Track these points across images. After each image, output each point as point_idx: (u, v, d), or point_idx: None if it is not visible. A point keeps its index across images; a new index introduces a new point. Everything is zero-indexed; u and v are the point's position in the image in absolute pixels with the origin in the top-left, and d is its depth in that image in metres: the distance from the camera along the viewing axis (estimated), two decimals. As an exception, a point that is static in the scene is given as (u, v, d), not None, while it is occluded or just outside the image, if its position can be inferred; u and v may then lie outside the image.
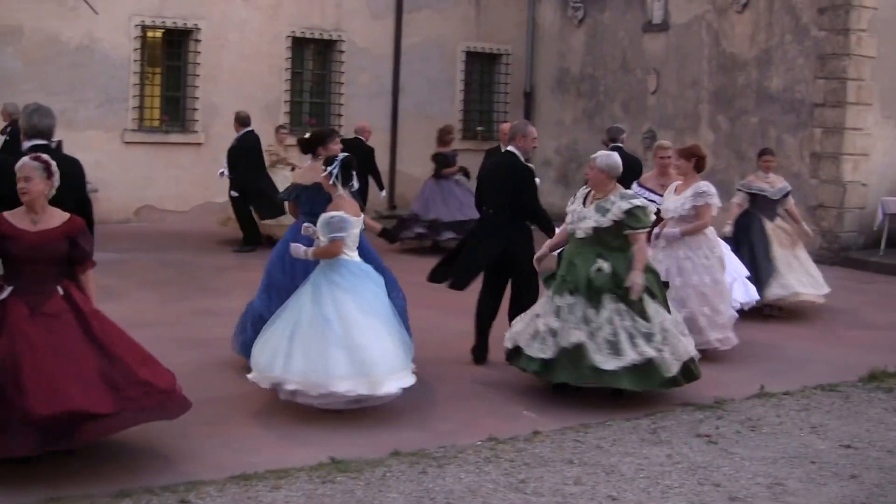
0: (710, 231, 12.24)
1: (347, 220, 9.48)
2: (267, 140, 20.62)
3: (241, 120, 19.82)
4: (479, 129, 27.34)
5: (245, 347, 10.26)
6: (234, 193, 19.31)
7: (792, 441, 9.12)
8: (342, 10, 25.16)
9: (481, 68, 27.69)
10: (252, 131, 19.68)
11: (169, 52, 24.07)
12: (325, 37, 25.12)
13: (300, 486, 7.63)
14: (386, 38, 25.78)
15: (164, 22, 23.31)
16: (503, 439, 8.82)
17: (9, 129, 18.84)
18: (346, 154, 9.96)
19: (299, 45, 25.06)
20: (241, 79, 23.97)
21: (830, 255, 20.15)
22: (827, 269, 18.48)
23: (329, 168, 9.73)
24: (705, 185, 12.16)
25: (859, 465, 8.57)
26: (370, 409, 9.46)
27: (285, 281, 10.40)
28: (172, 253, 18.83)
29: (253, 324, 10.38)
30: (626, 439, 8.99)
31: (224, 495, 7.41)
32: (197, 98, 23.62)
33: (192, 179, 20.36)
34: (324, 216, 9.57)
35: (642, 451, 8.68)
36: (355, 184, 9.88)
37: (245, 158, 19.34)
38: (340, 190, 9.71)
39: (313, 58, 25.59)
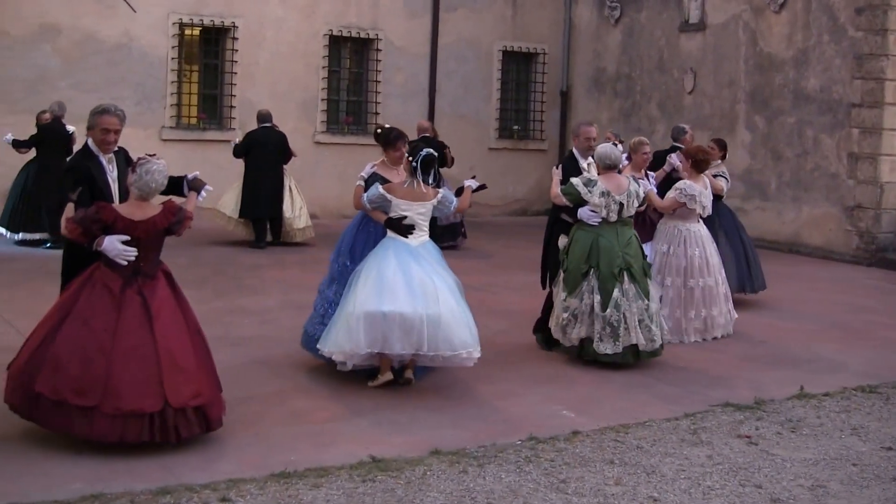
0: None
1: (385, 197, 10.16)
2: (299, 138, 20.72)
3: (261, 117, 20.18)
4: (515, 128, 27.30)
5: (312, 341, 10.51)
6: None
7: (833, 443, 9.07)
8: (379, 8, 25.18)
9: (517, 67, 27.65)
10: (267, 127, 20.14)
11: (206, 49, 24.18)
12: (362, 35, 25.14)
13: (340, 485, 7.63)
14: (422, 37, 25.80)
15: (201, 20, 23.39)
16: (543, 439, 8.80)
17: (48, 127, 18.91)
18: (429, 151, 10.32)
19: (336, 43, 25.09)
20: (278, 77, 24.05)
21: (867, 256, 20.06)
22: (863, 270, 18.51)
23: (412, 159, 10.25)
24: (681, 184, 12.93)
25: (901, 468, 8.52)
26: (409, 408, 9.54)
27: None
28: (208, 251, 18.87)
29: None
30: (666, 439, 8.95)
31: (265, 493, 7.41)
32: (234, 96, 23.70)
33: (229, 177, 20.32)
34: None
35: (683, 451, 8.65)
36: (431, 179, 10.46)
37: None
38: (412, 178, 10.25)
39: (350, 56, 25.62)
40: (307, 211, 20.38)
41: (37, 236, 18.85)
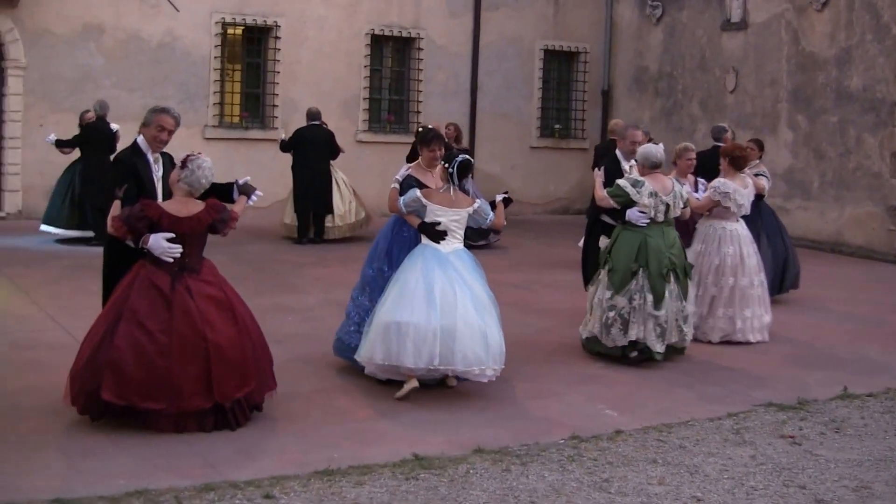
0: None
1: (421, 202, 10.04)
2: (341, 137, 20.82)
3: (310, 115, 20.38)
4: (556, 126, 27.28)
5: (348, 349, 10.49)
6: None
7: (877, 444, 9.02)
8: (420, 7, 25.23)
9: (559, 66, 27.64)
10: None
11: (249, 48, 24.29)
12: (404, 34, 25.21)
13: (384, 483, 7.64)
14: (464, 36, 25.83)
15: (244, 19, 23.51)
16: (586, 438, 8.79)
17: (92, 126, 19.04)
18: (466, 156, 10.28)
19: (378, 42, 25.17)
20: (320, 76, 24.15)
21: (910, 257, 20.01)
22: (906, 271, 18.38)
23: (448, 165, 10.17)
24: (716, 182, 12.82)
25: (947, 470, 8.47)
26: (451, 406, 9.57)
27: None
28: (251, 248, 18.95)
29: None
30: (709, 439, 8.93)
31: (308, 490, 7.43)
32: (276, 94, 23.82)
33: (272, 175, 20.47)
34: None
35: (726, 451, 8.63)
36: (466, 185, 10.51)
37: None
38: (449, 184, 10.15)
39: (392, 55, 25.67)
40: (357, 205, 20.49)
41: (81, 234, 18.96)
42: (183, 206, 8.51)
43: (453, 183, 10.11)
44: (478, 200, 10.30)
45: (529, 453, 8.38)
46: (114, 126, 18.78)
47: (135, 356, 8.15)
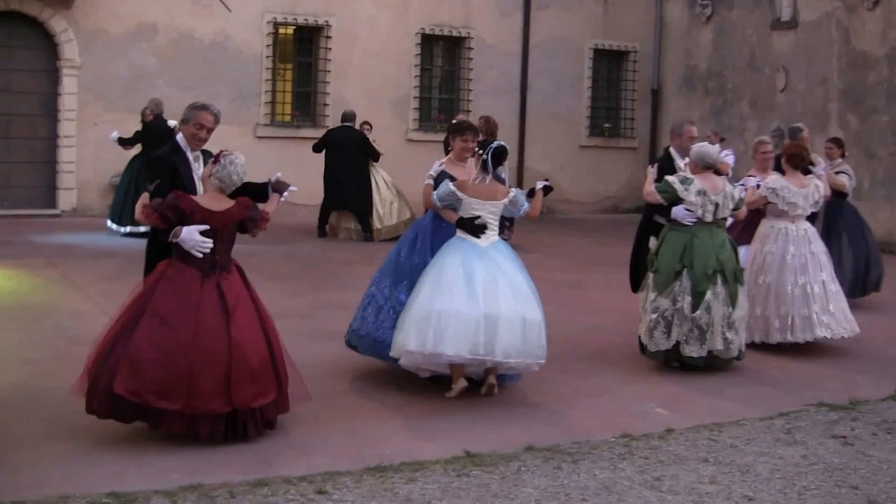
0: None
1: (455, 195, 9.84)
2: (391, 136, 20.94)
3: (344, 116, 20.87)
4: (605, 126, 27.29)
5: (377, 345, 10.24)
6: None
7: (930, 445, 9.00)
8: (471, 7, 25.30)
9: (608, 65, 27.67)
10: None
11: (300, 48, 24.44)
12: (454, 34, 25.29)
13: (436, 479, 7.67)
14: (514, 36, 25.90)
15: (295, 19, 23.67)
16: (636, 436, 8.80)
17: (150, 124, 19.28)
18: (501, 143, 10.17)
19: (428, 41, 25.28)
20: (371, 75, 24.26)
21: (963, 257, 19.89)
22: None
23: (482, 152, 9.98)
24: (768, 179, 12.56)
25: None
26: (502, 403, 9.59)
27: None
28: (301, 246, 19.05)
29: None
30: (760, 439, 8.91)
31: (361, 486, 7.47)
32: (327, 93, 23.99)
33: (322, 173, 20.54)
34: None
35: (777, 451, 8.60)
36: (502, 174, 10.36)
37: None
38: (484, 174, 9.93)
39: (442, 54, 25.76)
40: (401, 205, 20.56)
41: (142, 229, 19.18)
42: (215, 202, 8.36)
43: (487, 171, 9.89)
44: (513, 190, 10.09)
45: (580, 451, 8.39)
46: (171, 122, 18.95)
47: (155, 353, 7.95)
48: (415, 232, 10.48)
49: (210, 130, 8.91)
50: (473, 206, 9.78)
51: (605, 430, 8.97)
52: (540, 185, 10.42)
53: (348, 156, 20.16)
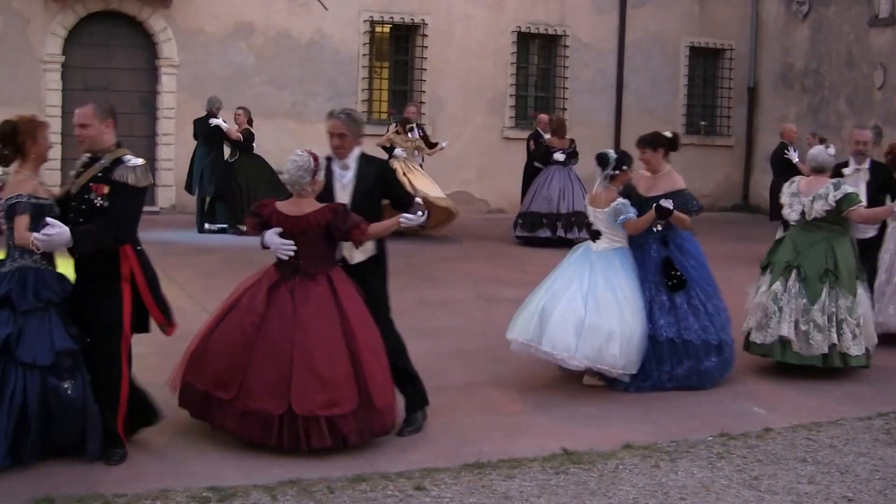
0: None
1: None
2: (487, 133, 20.93)
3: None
4: (702, 123, 27.14)
5: None
6: None
7: None
8: (566, 5, 25.27)
9: (704, 63, 27.47)
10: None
11: (396, 46, 24.55)
12: (550, 32, 25.27)
13: (533, 476, 7.72)
14: (609, 33, 25.81)
15: (391, 17, 23.78)
16: (734, 435, 8.80)
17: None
18: (606, 151, 10.34)
19: (524, 39, 25.27)
20: (467, 73, 24.31)
21: None
22: None
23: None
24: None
25: None
26: (600, 401, 9.65)
27: None
28: (399, 244, 19.11)
29: None
30: (859, 439, 8.87)
31: (458, 483, 7.54)
32: (424, 92, 24.03)
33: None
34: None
35: (877, 451, 8.56)
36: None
37: None
38: (603, 183, 10.20)
39: (538, 52, 25.76)
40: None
41: (216, 227, 19.59)
42: (296, 207, 8.24)
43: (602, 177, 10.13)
44: (618, 199, 10.06)
45: (678, 450, 8.42)
46: (212, 121, 19.26)
47: (223, 345, 8.08)
48: None
49: (341, 136, 8.53)
50: (591, 213, 10.27)
51: (703, 428, 8.98)
52: (669, 204, 9.91)
53: None
